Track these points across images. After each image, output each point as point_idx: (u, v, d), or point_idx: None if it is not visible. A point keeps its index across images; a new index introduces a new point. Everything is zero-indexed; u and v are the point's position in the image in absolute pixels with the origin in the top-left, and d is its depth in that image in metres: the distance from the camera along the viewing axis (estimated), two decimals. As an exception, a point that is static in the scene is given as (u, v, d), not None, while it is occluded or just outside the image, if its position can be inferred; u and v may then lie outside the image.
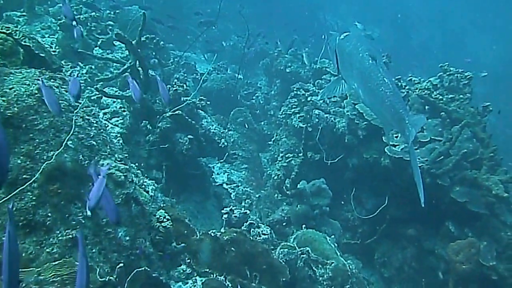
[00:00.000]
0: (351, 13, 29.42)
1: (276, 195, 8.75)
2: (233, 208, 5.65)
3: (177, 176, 7.16)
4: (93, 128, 4.11)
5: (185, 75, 11.21)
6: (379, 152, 7.70)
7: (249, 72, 14.67)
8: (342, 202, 8.40)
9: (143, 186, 4.88)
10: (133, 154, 6.81)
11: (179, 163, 7.04)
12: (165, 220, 4.44)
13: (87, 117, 4.12)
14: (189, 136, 6.85)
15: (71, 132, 3.77)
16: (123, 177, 4.03)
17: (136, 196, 4.24)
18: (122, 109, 6.93)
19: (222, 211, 5.65)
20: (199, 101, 7.35)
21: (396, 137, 7.56)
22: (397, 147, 7.39)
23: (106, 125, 4.24)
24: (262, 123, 11.96)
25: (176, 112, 6.51)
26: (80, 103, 4.03)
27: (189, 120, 6.70)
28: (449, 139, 7.14)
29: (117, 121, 6.80)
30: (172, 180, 7.08)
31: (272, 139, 10.07)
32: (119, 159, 4.20)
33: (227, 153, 7.33)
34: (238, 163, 9.90)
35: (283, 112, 9.46)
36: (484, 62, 26.23)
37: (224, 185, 9.56)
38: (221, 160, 7.78)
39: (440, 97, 8.15)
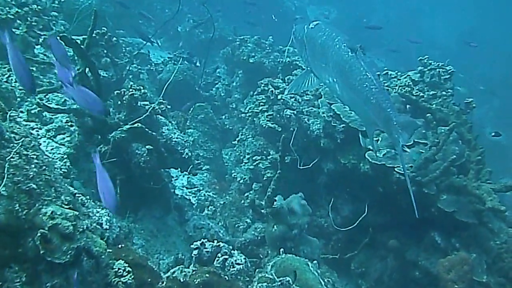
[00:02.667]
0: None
1: (242, 201, 8.09)
2: (204, 242, 4.85)
3: (134, 191, 6.30)
4: (33, 166, 3.23)
5: (139, 67, 10.26)
6: (358, 157, 7.05)
7: (206, 59, 13.73)
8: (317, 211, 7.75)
9: (97, 226, 4.05)
10: (82, 169, 5.95)
11: (136, 176, 6.20)
12: (125, 273, 3.61)
13: (25, 152, 3.23)
14: (147, 147, 6.01)
15: (4, 178, 2.95)
16: (71, 227, 3.18)
17: (88, 247, 3.42)
18: (69, 123, 5.97)
19: (191, 246, 4.85)
20: (158, 105, 6.47)
21: (377, 140, 6.90)
22: (378, 152, 6.73)
23: (50, 159, 3.38)
24: (223, 116, 11.15)
25: (135, 125, 5.67)
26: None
27: (149, 132, 5.86)
28: (435, 143, 6.51)
29: (63, 139, 5.85)
30: (128, 195, 6.20)
31: (237, 139, 9.27)
32: (66, 202, 3.35)
33: (192, 165, 6.49)
34: (199, 164, 9.11)
35: (250, 110, 8.65)
36: (440, 42, 26.04)
37: (185, 190, 8.82)
38: (185, 172, 6.93)
39: (421, 94, 7.52)
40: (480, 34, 27.49)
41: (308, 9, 25.15)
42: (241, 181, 8.50)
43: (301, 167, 7.38)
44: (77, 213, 3.32)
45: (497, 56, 24.00)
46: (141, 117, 5.78)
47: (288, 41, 11.68)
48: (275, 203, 6.10)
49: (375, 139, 6.90)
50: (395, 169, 6.50)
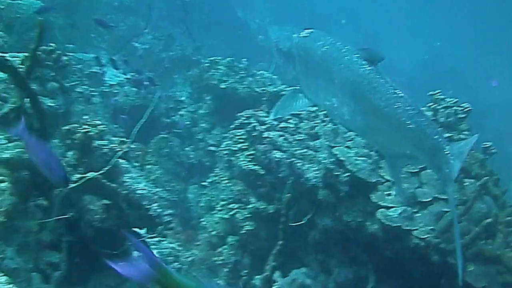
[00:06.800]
0: (266, 11, 27.65)
1: (214, 258, 6.75)
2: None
3: (86, 257, 4.98)
4: None
5: (92, 89, 8.72)
6: (364, 214, 5.75)
7: (167, 81, 12.28)
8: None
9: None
10: (17, 229, 4.50)
11: (89, 238, 4.84)
12: None
13: None
14: (104, 202, 4.60)
15: None
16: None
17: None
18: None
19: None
20: (118, 145, 5.01)
21: (389, 195, 5.64)
22: (392, 210, 5.45)
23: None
24: (188, 148, 9.72)
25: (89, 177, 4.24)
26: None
27: (107, 183, 4.43)
28: (463, 202, 5.31)
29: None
30: (76, 263, 4.92)
31: (208, 180, 7.85)
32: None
33: (161, 225, 5.08)
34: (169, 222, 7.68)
35: (226, 147, 7.25)
36: (401, 67, 25.48)
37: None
38: (153, 235, 5.50)
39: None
40: (444, 60, 27.25)
41: (270, 29, 24.09)
42: (213, 233, 7.09)
43: (293, 224, 6.01)
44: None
45: (461, 83, 23.56)
46: (102, 171, 4.31)
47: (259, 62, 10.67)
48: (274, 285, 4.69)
49: (385, 192, 5.65)
50: (413, 232, 5.26)
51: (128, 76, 10.37)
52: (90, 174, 4.36)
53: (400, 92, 3.31)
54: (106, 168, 4.48)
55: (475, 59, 28.48)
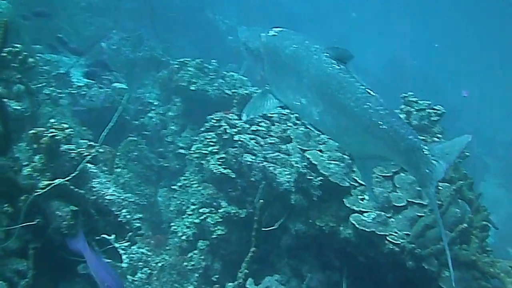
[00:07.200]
0: (236, 12, 27.45)
1: (184, 263, 6.62)
2: None
3: (53, 264, 4.78)
4: None
5: (59, 90, 8.48)
6: (337, 219, 5.68)
7: (135, 82, 12.04)
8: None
9: None
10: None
11: (56, 245, 4.64)
12: None
13: None
14: (72, 208, 4.44)
15: None
16: None
17: None
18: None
19: None
20: (87, 149, 4.85)
21: (362, 200, 5.58)
22: (366, 215, 5.39)
23: None
24: (157, 151, 9.55)
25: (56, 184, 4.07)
26: None
27: (75, 189, 4.27)
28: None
29: None
30: (43, 270, 4.64)
31: (178, 184, 7.68)
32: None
33: (131, 232, 4.92)
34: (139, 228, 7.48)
35: (196, 150, 7.10)
36: (368, 68, 25.63)
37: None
38: (123, 242, 5.34)
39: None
40: (407, 61, 27.50)
41: (239, 30, 23.89)
42: (183, 237, 6.93)
43: (265, 229, 5.91)
44: None
45: (428, 84, 23.81)
46: (69, 177, 4.16)
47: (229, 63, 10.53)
48: (247, 292, 4.56)
49: (359, 197, 5.60)
50: (388, 237, 5.21)
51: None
52: (58, 181, 4.19)
53: (371, 91, 3.23)
54: (74, 174, 4.30)
55: (442, 61, 28.84)
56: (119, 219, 4.92)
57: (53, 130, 4.57)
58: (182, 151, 8.97)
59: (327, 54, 3.42)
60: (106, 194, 4.88)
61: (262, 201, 4.30)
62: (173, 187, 7.93)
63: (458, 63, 30.36)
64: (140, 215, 7.56)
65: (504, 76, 29.04)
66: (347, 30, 30.51)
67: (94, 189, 4.85)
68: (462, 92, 15.64)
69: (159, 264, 6.91)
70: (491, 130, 23.13)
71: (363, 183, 5.46)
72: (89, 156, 4.69)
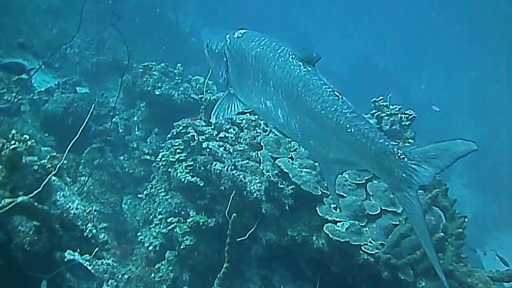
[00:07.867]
0: (198, 15, 27.26)
1: (152, 275, 6.42)
2: None
3: (16, 281, 4.53)
4: None
5: (20, 97, 8.16)
6: (310, 229, 5.54)
7: (97, 86, 11.75)
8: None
9: None
10: None
11: (19, 262, 4.42)
12: None
13: None
14: (34, 223, 4.22)
15: None
16: None
17: None
18: None
19: None
20: (49, 161, 4.63)
21: (336, 208, 5.46)
22: (339, 225, 5.27)
23: None
24: (122, 157, 9.30)
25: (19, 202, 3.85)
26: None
27: (38, 206, 4.06)
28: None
29: None
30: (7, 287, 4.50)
31: (145, 192, 7.47)
32: None
33: (97, 248, 4.71)
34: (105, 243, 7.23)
35: (163, 158, 6.90)
36: (332, 68, 25.77)
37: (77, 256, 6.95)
38: (88, 258, 5.13)
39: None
40: (373, 61, 27.71)
41: (202, 32, 23.77)
42: (150, 248, 6.73)
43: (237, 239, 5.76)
44: None
45: (393, 84, 23.99)
46: (32, 194, 3.94)
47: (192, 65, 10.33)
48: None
49: (332, 206, 5.48)
50: (362, 247, 5.09)
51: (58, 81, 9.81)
52: (20, 198, 3.97)
53: (339, 94, 3.10)
54: (37, 191, 4.09)
55: (406, 61, 29.11)
56: (84, 234, 4.71)
57: (13, 141, 4.35)
58: (147, 157, 8.74)
59: (294, 56, 3.32)
60: (70, 208, 4.67)
61: (235, 215, 4.16)
62: (139, 195, 7.71)
63: (426, 62, 30.64)
64: (105, 225, 7.36)
65: (469, 76, 29.42)
66: (312, 30, 30.56)
67: (58, 203, 4.63)
68: (433, 106, 15.75)
69: (126, 276, 6.70)
70: (455, 130, 23.43)
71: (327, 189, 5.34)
72: (54, 171, 4.47)
